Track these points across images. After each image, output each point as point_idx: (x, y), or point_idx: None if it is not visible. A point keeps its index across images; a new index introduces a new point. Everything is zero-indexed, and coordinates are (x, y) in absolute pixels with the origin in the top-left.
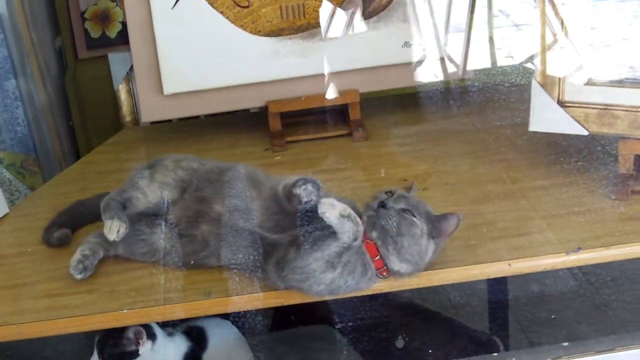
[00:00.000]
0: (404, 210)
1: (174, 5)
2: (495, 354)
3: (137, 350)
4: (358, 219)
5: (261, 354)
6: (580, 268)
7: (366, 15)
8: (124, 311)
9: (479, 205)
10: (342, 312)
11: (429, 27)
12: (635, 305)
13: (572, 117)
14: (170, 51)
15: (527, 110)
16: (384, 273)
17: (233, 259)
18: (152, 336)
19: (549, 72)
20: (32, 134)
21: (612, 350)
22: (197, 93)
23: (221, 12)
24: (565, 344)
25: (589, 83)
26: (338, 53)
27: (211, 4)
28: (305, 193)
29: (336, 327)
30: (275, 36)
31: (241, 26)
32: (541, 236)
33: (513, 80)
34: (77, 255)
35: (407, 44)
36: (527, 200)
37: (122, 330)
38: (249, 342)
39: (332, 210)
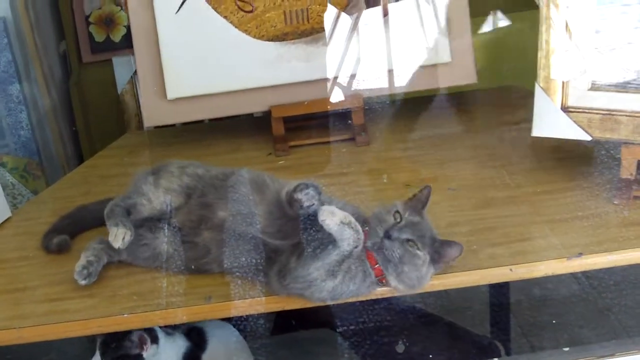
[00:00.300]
0: (408, 240)
1: (178, 10)
2: (496, 359)
3: (141, 355)
4: (359, 227)
5: (263, 358)
6: (583, 272)
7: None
8: (125, 315)
9: (482, 210)
10: (344, 316)
11: (434, 30)
12: (638, 310)
13: (575, 122)
14: (174, 56)
15: (530, 115)
16: (383, 280)
17: (235, 265)
18: (155, 339)
19: (553, 76)
20: (35, 138)
21: (612, 355)
22: (200, 98)
23: (225, 17)
24: (566, 349)
25: (593, 88)
26: (341, 58)
27: (215, 9)
28: (306, 197)
29: (337, 331)
30: (279, 41)
31: (245, 31)
32: (543, 241)
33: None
34: (81, 261)
35: (411, 48)
36: (530, 205)
37: (125, 332)
38: (250, 346)
39: (332, 218)
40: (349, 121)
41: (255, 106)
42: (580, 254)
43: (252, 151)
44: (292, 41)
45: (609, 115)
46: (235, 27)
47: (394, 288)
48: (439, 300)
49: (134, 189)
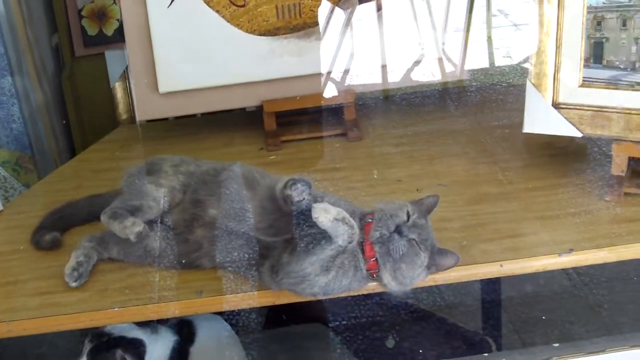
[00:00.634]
0: (415, 240)
1: (170, 4)
2: (487, 354)
3: None
4: (353, 222)
5: (254, 352)
6: (574, 269)
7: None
8: (116, 309)
9: (474, 205)
10: (336, 311)
11: (427, 26)
12: (629, 306)
13: (566, 118)
14: (166, 50)
15: (523, 111)
16: (375, 275)
17: (228, 261)
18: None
19: (544, 73)
20: (28, 132)
21: (602, 351)
22: (192, 92)
23: (217, 11)
24: (556, 344)
25: (584, 85)
26: (334, 52)
27: (207, 3)
28: (296, 193)
29: (329, 326)
30: (271, 35)
31: (237, 25)
32: (535, 237)
33: (510, 81)
34: (71, 263)
35: (404, 43)
36: (521, 202)
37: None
38: (242, 340)
39: (325, 215)
40: (341, 116)
41: (247, 101)
42: (571, 250)
43: (244, 145)
44: (284, 36)
45: (600, 111)
46: (227, 21)
47: (385, 284)
48: (431, 296)
49: (132, 190)
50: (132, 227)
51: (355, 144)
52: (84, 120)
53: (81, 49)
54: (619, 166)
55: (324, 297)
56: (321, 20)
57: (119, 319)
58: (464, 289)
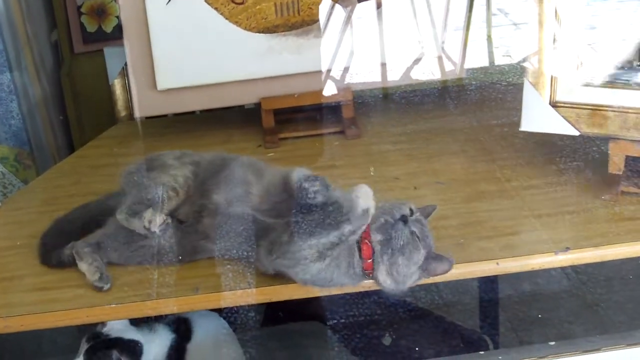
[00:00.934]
0: (416, 234)
1: (169, 1)
2: (483, 352)
3: None
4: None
5: (252, 349)
6: (572, 267)
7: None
8: (114, 305)
9: (471, 203)
10: (333, 309)
11: (427, 24)
12: (627, 305)
13: (563, 117)
14: (165, 47)
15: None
16: (371, 274)
17: (228, 242)
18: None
19: (542, 72)
20: (26, 128)
21: (598, 349)
22: (191, 89)
23: (216, 9)
24: (552, 343)
25: (581, 84)
26: (333, 50)
27: (205, 0)
28: (313, 190)
29: (327, 324)
30: (270, 33)
31: (236, 22)
32: (532, 235)
33: (510, 79)
34: (91, 270)
35: (403, 41)
36: (519, 200)
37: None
38: (240, 337)
39: (365, 200)
40: (340, 114)
41: (246, 98)
42: (567, 249)
43: (242, 142)
44: (283, 33)
45: (597, 110)
46: (226, 18)
47: (380, 282)
48: (428, 294)
49: (141, 185)
50: (155, 220)
51: (354, 141)
52: (83, 117)
53: (80, 45)
54: (616, 165)
55: (313, 286)
56: (321, 17)
57: (116, 316)
58: (461, 287)
